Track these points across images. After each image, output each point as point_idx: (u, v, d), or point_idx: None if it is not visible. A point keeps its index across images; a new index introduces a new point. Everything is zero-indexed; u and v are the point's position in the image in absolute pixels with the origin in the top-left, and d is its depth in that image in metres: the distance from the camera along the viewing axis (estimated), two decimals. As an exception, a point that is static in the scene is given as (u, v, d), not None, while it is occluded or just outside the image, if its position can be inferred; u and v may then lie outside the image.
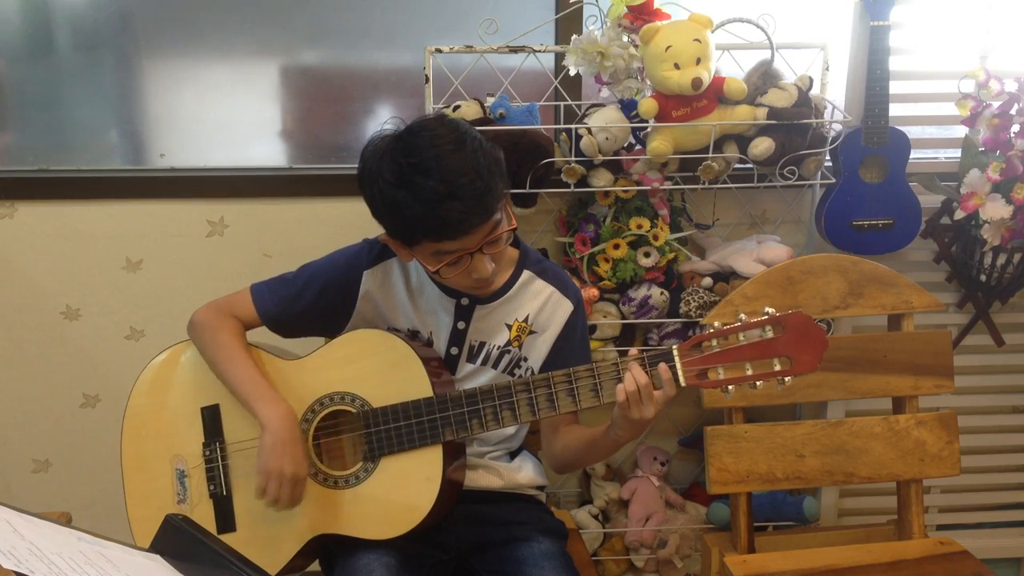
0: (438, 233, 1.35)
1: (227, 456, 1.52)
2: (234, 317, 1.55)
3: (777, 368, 1.31)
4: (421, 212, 1.33)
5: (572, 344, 1.57)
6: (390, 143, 1.39)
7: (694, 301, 2.06)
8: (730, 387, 1.32)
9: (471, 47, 2.01)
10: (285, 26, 2.20)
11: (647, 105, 1.90)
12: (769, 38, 1.98)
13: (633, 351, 1.36)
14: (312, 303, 1.55)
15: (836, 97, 2.14)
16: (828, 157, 2.10)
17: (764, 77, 1.99)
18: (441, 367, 1.52)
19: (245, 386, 1.48)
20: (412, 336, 1.54)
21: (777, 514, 2.25)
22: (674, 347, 1.34)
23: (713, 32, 1.90)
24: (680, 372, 1.33)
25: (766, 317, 1.31)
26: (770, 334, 1.31)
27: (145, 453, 1.55)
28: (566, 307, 1.57)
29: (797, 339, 1.30)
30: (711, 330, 1.32)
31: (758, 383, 1.31)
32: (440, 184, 1.32)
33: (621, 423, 1.37)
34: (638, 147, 2.04)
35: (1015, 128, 2.05)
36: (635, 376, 1.32)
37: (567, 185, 2.02)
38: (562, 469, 1.62)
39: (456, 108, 1.97)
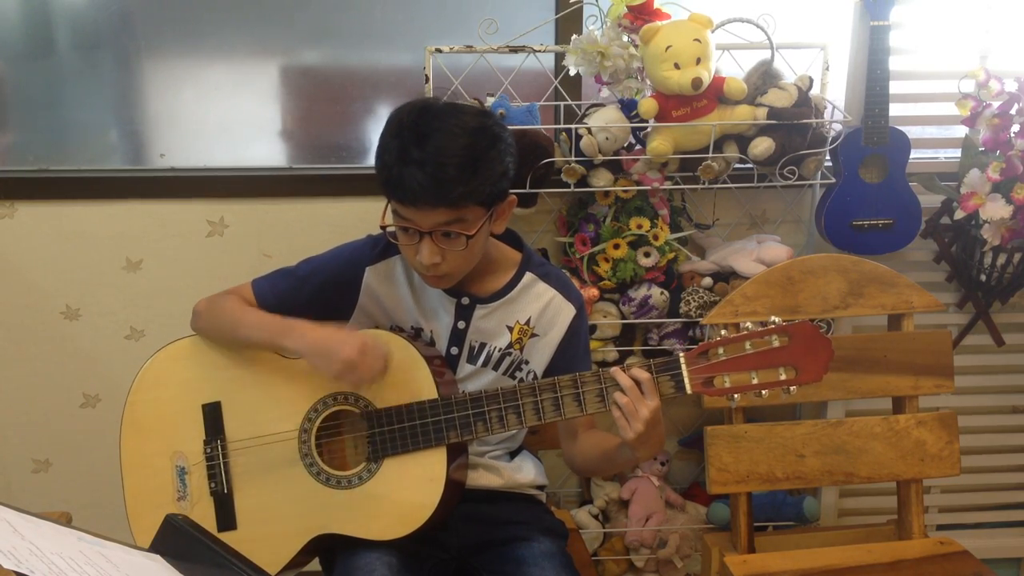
0: (392, 189, 1.37)
1: (228, 454, 1.52)
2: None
3: (783, 377, 1.32)
4: (390, 163, 1.36)
5: (576, 349, 1.57)
6: (428, 103, 1.40)
7: (694, 301, 2.06)
8: (736, 395, 1.33)
9: (471, 47, 2.01)
10: (285, 26, 2.20)
11: (647, 105, 1.90)
12: (769, 38, 1.98)
13: (632, 367, 1.35)
14: (313, 297, 1.55)
15: (836, 97, 2.14)
16: (828, 157, 2.10)
17: (764, 77, 1.99)
18: (444, 366, 1.52)
19: (264, 332, 1.48)
20: (415, 334, 1.54)
21: (777, 514, 2.25)
22: (681, 354, 1.34)
23: (713, 32, 1.90)
24: (687, 379, 1.34)
25: (773, 326, 1.32)
26: (776, 343, 1.32)
27: (145, 450, 1.55)
28: (568, 311, 1.56)
29: (803, 349, 1.31)
30: (718, 338, 1.33)
31: (764, 392, 1.32)
32: (422, 153, 1.33)
33: (628, 441, 1.38)
34: (638, 147, 2.04)
35: (1015, 128, 2.05)
36: (623, 390, 1.33)
37: (567, 185, 2.03)
38: (583, 475, 1.63)
39: (456, 108, 1.97)
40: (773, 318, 1.32)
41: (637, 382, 1.33)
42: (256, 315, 1.52)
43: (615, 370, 1.35)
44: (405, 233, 1.42)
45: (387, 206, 1.43)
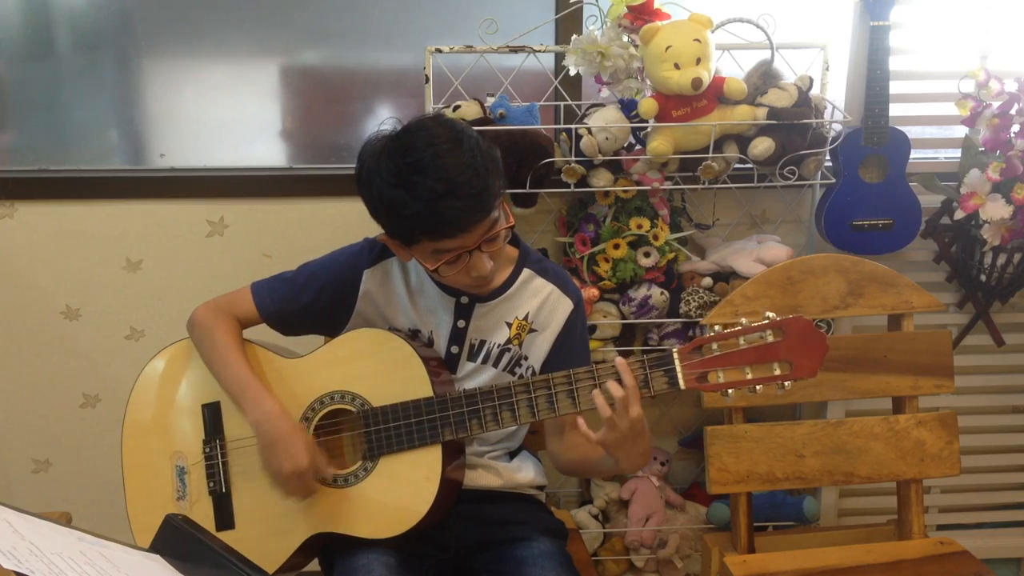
0: (436, 231, 1.35)
1: (227, 453, 1.53)
2: (233, 316, 1.56)
3: (777, 372, 1.31)
4: (419, 210, 1.34)
5: (573, 342, 1.57)
6: (387, 143, 1.39)
7: (694, 301, 2.06)
8: (729, 391, 1.32)
9: (471, 47, 2.01)
10: (285, 26, 2.21)
11: (647, 105, 1.90)
12: (769, 38, 1.98)
13: (621, 362, 1.35)
14: (312, 301, 1.55)
15: (836, 97, 2.14)
16: (828, 157, 2.10)
17: (764, 77, 1.99)
18: (441, 367, 1.52)
19: (235, 387, 1.49)
20: (412, 336, 1.55)
21: (777, 514, 2.25)
22: (674, 350, 1.34)
23: (713, 32, 1.90)
24: (680, 375, 1.33)
25: (767, 321, 1.31)
26: (770, 338, 1.31)
27: (146, 450, 1.56)
28: (566, 305, 1.57)
29: (797, 344, 1.31)
30: (711, 333, 1.33)
31: (757, 387, 1.32)
32: (438, 182, 1.32)
33: (609, 450, 1.37)
34: (638, 147, 2.04)
35: (1015, 128, 2.05)
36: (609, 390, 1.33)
37: (567, 185, 2.03)
38: (569, 474, 1.63)
39: (456, 108, 1.97)
40: (768, 313, 1.32)
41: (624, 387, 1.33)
42: (236, 366, 1.50)
43: (611, 383, 1.33)
44: (452, 264, 1.40)
45: (398, 251, 1.44)
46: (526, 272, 1.56)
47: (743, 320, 1.33)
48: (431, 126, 1.38)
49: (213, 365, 1.52)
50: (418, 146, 1.35)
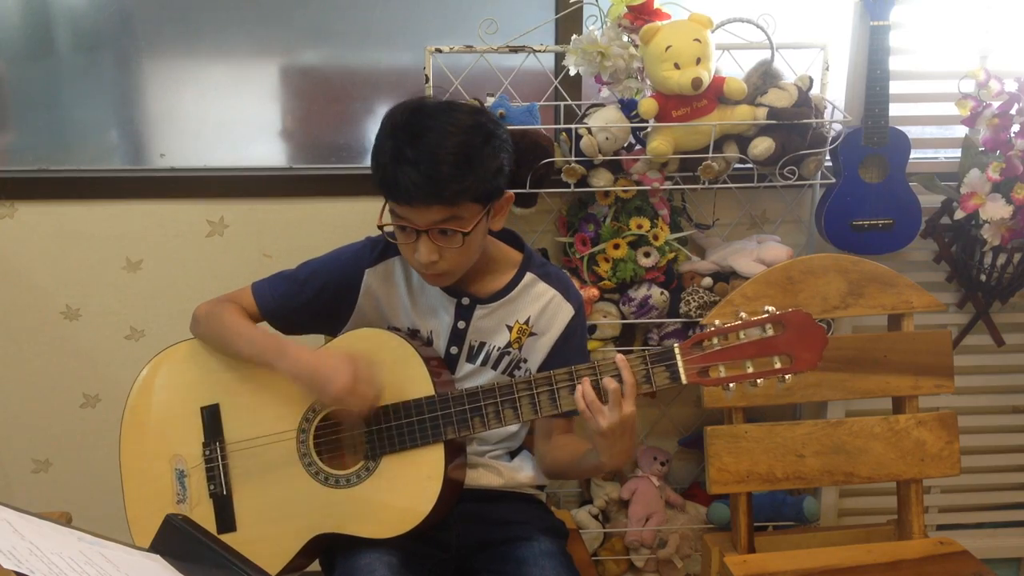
0: (387, 189, 1.38)
1: (227, 456, 1.52)
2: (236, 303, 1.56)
3: (777, 366, 1.32)
4: (386, 164, 1.37)
5: (570, 347, 1.57)
6: (422, 102, 1.41)
7: (694, 301, 2.06)
8: (731, 385, 1.33)
9: (471, 47, 2.01)
10: (285, 26, 2.20)
11: (647, 105, 1.90)
12: (769, 38, 1.98)
13: (621, 359, 1.36)
14: (313, 300, 1.55)
15: (836, 97, 2.14)
16: (828, 157, 2.10)
17: (764, 77, 1.99)
18: (441, 366, 1.52)
19: (255, 350, 1.48)
20: (411, 335, 1.55)
21: (777, 514, 2.25)
22: (675, 345, 1.34)
23: (713, 32, 1.90)
24: (681, 369, 1.34)
25: (766, 315, 1.32)
26: (770, 332, 1.32)
27: (144, 453, 1.55)
28: (567, 311, 1.57)
29: (797, 337, 1.31)
30: (712, 328, 1.33)
31: (759, 381, 1.32)
32: (416, 152, 1.34)
33: (595, 441, 1.38)
34: (638, 147, 2.04)
35: (1015, 128, 2.05)
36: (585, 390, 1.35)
37: (567, 185, 2.03)
38: (551, 476, 1.63)
39: (456, 108, 1.97)
40: (767, 307, 1.32)
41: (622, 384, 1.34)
42: (252, 331, 1.51)
43: (607, 380, 1.34)
44: (403, 232, 1.43)
45: (384, 206, 1.44)
46: (529, 276, 1.56)
47: (742, 313, 1.33)
48: (461, 114, 1.39)
49: (227, 340, 1.51)
50: (434, 118, 1.37)
